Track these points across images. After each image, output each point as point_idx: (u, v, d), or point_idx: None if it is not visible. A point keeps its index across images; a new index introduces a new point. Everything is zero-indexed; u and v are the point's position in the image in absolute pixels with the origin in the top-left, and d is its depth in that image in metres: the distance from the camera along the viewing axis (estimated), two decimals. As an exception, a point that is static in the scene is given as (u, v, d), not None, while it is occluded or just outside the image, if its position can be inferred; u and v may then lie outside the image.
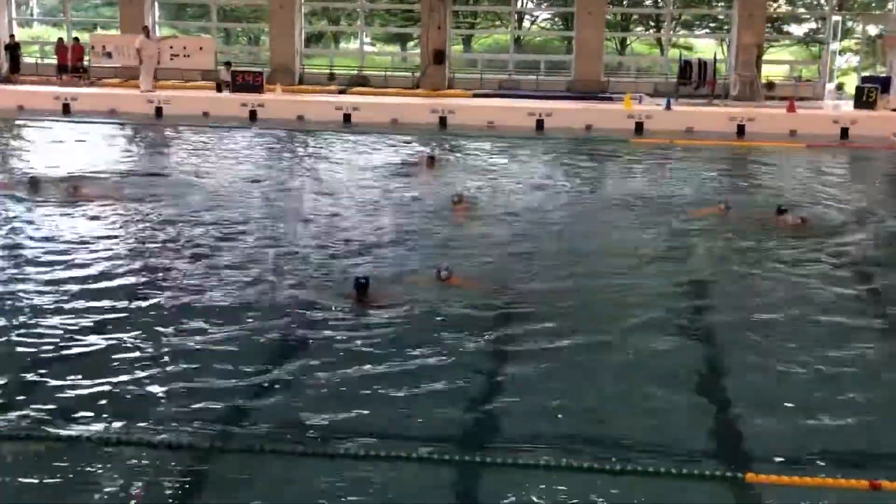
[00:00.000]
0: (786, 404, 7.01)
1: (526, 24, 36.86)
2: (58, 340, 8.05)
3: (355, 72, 30.38)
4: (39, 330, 8.28)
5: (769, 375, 7.54)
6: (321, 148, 20.33)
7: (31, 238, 11.54)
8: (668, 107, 24.30)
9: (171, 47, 27.94)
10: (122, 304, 9.00)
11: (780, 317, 8.97)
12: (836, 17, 29.76)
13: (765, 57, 28.73)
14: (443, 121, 23.99)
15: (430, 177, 16.23)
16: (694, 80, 26.99)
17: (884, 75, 28.24)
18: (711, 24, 34.90)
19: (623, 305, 9.28)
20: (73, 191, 13.85)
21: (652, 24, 35.60)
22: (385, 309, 8.79)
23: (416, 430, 6.52)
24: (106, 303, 8.99)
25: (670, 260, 11.22)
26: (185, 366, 7.51)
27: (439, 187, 15.03)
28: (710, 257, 11.34)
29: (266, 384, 7.23)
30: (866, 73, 29.52)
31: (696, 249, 11.69)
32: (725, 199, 13.65)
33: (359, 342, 7.99)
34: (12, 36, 30.24)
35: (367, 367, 7.45)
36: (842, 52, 31.98)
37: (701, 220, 13.00)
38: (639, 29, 36.64)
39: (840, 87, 30.01)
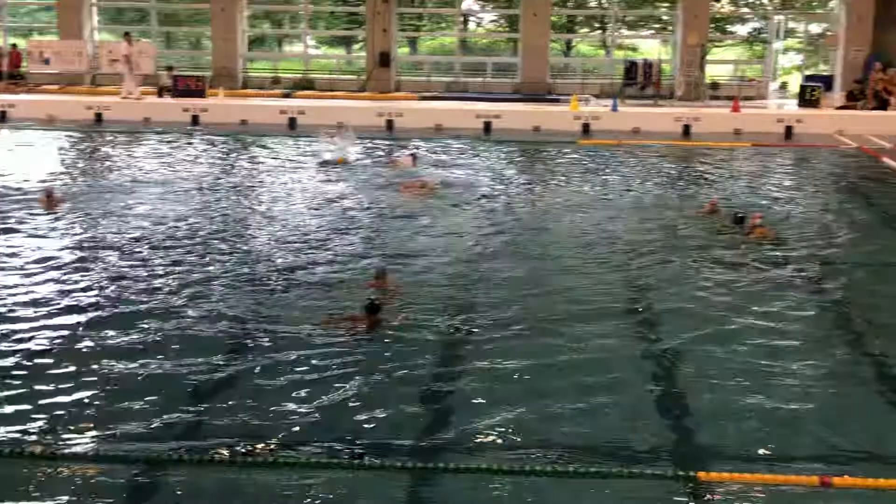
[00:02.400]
0: (736, 404, 7.09)
1: (471, 26, 36.76)
2: (47, 354, 7.93)
3: (300, 75, 30.08)
4: (25, 342, 8.16)
5: (722, 378, 7.58)
6: (268, 151, 20.06)
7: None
8: (614, 108, 24.33)
9: (110, 52, 27.47)
10: (81, 317, 8.81)
11: (733, 320, 9.01)
12: (779, 17, 30.02)
13: (709, 57, 28.91)
14: (390, 124, 23.81)
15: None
16: (639, 81, 27.13)
17: (826, 74, 28.61)
18: (655, 25, 35.05)
19: (575, 311, 9.18)
20: (47, 198, 13.59)
21: (597, 25, 35.70)
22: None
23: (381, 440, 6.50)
24: (69, 312, 8.90)
25: (631, 262, 11.19)
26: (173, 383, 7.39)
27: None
28: (668, 259, 11.21)
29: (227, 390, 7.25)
30: (809, 72, 29.88)
31: (658, 251, 11.60)
32: (713, 201, 13.59)
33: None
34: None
35: (336, 383, 7.38)
36: (785, 51, 32.27)
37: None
38: (584, 30, 36.72)
39: (784, 86, 30.30)
